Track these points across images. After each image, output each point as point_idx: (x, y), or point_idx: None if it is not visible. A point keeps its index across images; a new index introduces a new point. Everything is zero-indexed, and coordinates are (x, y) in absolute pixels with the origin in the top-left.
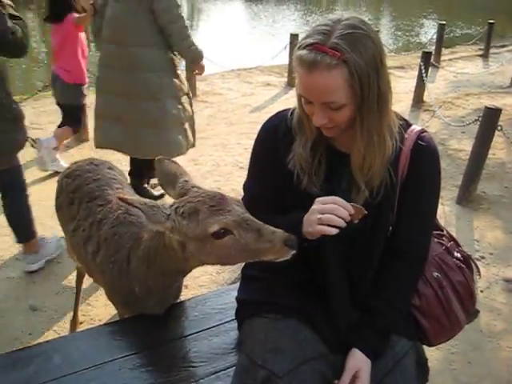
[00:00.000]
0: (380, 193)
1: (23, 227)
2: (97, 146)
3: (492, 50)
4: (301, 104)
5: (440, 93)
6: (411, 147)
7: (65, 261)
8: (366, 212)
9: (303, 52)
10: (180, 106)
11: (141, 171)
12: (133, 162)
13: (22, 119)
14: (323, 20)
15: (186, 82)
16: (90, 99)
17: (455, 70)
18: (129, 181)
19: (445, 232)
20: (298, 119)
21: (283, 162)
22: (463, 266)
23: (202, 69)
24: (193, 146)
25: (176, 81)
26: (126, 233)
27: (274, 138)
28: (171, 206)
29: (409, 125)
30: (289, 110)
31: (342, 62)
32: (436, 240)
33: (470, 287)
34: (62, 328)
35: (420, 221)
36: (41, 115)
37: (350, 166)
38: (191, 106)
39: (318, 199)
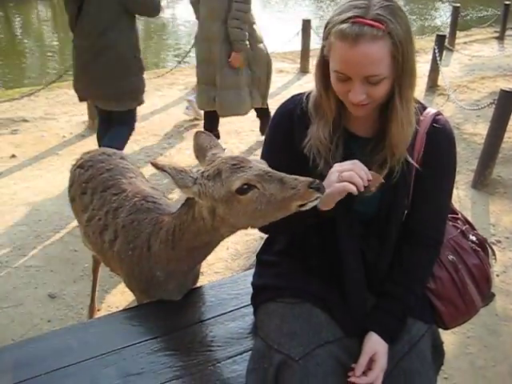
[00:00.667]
0: (397, 175)
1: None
2: (200, 108)
3: (508, 33)
4: (321, 85)
5: (455, 76)
6: (427, 130)
7: (81, 249)
8: (384, 181)
9: (344, 26)
10: (250, 72)
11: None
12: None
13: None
14: None
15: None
16: None
17: (470, 53)
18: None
19: (459, 215)
20: (314, 102)
21: (298, 147)
22: (478, 249)
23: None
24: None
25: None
26: (145, 219)
27: (289, 122)
28: (198, 170)
29: (424, 107)
30: (303, 93)
31: (387, 33)
32: (451, 223)
33: (485, 270)
34: (80, 315)
35: (435, 204)
36: (55, 106)
37: (365, 149)
38: (269, 72)
39: (336, 164)
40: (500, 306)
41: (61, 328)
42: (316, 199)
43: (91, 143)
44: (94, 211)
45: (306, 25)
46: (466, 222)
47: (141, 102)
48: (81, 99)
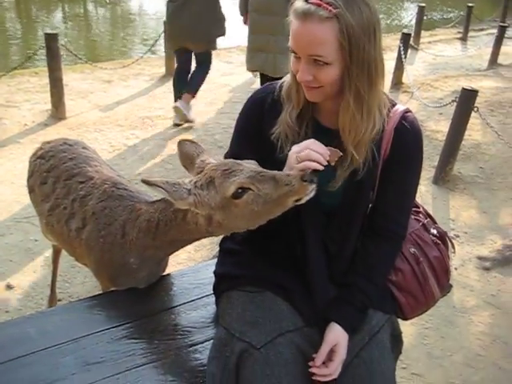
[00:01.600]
0: (363, 170)
1: (195, 84)
2: (248, 69)
3: (470, 34)
4: (292, 72)
5: (419, 75)
6: (395, 126)
7: (42, 239)
8: (342, 154)
9: (299, 4)
10: None
11: None
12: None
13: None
14: None
15: None
16: (67, 78)
17: (434, 52)
18: None
19: (421, 209)
20: (287, 88)
21: (266, 134)
22: (439, 242)
23: None
24: None
25: None
26: (118, 206)
27: (260, 110)
28: (190, 181)
29: (393, 104)
30: (277, 83)
31: (335, 16)
32: (413, 217)
33: (445, 263)
34: (40, 305)
35: (400, 199)
36: (17, 93)
37: (333, 141)
38: None
39: (293, 146)
40: (457, 298)
41: (19, 317)
42: (311, 191)
43: (54, 132)
44: (58, 200)
45: None
46: (428, 215)
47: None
48: (175, 47)
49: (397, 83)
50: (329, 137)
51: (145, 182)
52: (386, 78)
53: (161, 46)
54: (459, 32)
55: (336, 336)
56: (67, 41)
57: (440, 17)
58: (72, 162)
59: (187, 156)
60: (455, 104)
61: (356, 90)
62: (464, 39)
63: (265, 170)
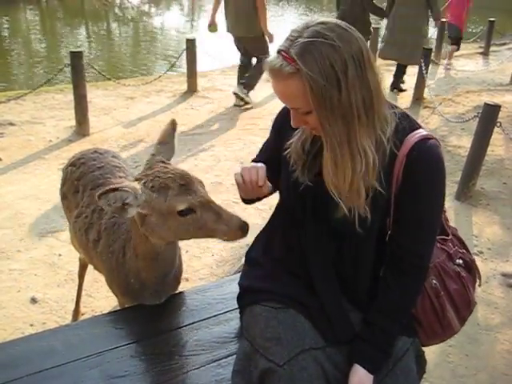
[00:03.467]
0: (368, 196)
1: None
2: (380, 57)
3: (492, 48)
4: None
5: (440, 90)
6: (407, 151)
7: (66, 253)
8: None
9: (271, 59)
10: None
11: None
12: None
13: None
14: (301, 23)
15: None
16: (91, 95)
17: (456, 67)
18: None
19: (450, 237)
20: None
21: (283, 146)
22: (463, 273)
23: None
24: None
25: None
26: (124, 223)
27: (286, 117)
28: (139, 181)
29: (413, 128)
30: None
31: (296, 72)
32: (439, 245)
33: (467, 295)
34: (63, 319)
35: (416, 230)
36: (42, 110)
37: None
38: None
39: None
40: (481, 316)
41: (45, 330)
42: (239, 238)
43: (78, 148)
44: (83, 208)
45: None
46: (457, 239)
47: None
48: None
49: (418, 98)
50: None
51: (98, 196)
52: (406, 94)
53: (183, 63)
54: (481, 47)
55: (360, 379)
56: (91, 58)
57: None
58: (99, 171)
59: (160, 133)
60: (477, 119)
61: (330, 135)
62: (486, 54)
63: (214, 202)
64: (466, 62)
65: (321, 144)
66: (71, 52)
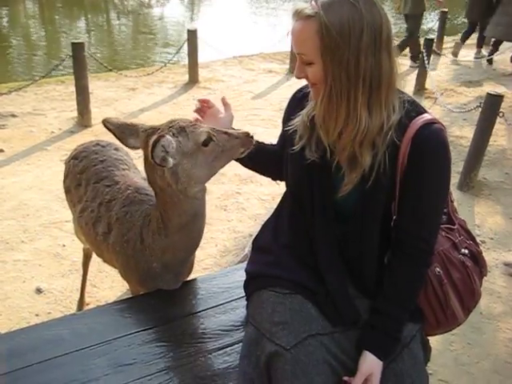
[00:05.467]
0: (370, 179)
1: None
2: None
3: (457, 41)
4: None
5: (442, 80)
6: (412, 135)
7: (70, 244)
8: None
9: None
10: None
11: None
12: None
13: None
14: None
15: None
16: (92, 86)
17: (457, 57)
18: None
19: (456, 226)
20: None
21: (288, 125)
22: (468, 263)
23: None
24: None
25: None
26: (137, 211)
27: (293, 100)
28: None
29: (419, 112)
30: None
31: (315, 16)
32: (444, 234)
33: (471, 285)
34: (69, 309)
35: (421, 213)
36: (43, 101)
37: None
38: None
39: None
40: (484, 305)
41: (52, 319)
42: (251, 144)
43: (80, 139)
44: (87, 202)
45: None
46: (464, 231)
47: None
48: None
49: (420, 89)
50: None
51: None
52: (409, 84)
53: (184, 53)
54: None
55: (370, 366)
56: (92, 49)
57: (462, 21)
58: (102, 164)
59: (120, 127)
60: (480, 109)
61: (329, 89)
62: (487, 44)
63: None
64: (468, 52)
65: None
66: (73, 43)
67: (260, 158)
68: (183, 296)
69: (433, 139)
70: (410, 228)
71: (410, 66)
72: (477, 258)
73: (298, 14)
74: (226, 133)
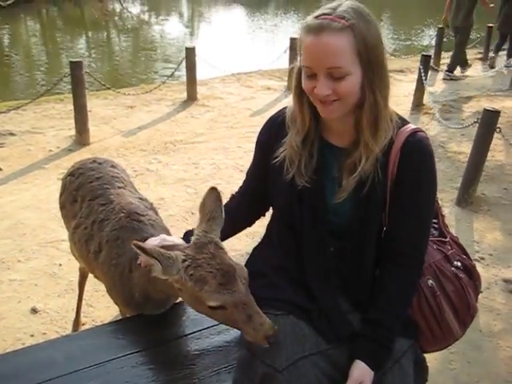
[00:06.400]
0: (365, 187)
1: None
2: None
3: (491, 54)
4: (296, 95)
5: (439, 96)
6: (401, 144)
7: (66, 263)
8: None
9: (310, 20)
10: None
11: None
12: None
13: None
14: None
15: None
16: (91, 104)
17: (455, 73)
18: None
19: (448, 239)
20: (291, 114)
21: (273, 156)
22: (462, 275)
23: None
24: None
25: None
26: (129, 238)
27: (268, 134)
28: (183, 261)
29: (404, 123)
30: (288, 107)
31: (349, 27)
32: (435, 247)
33: (466, 298)
34: (64, 329)
35: (412, 222)
36: (42, 120)
37: (340, 158)
38: None
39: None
40: (483, 322)
41: (44, 341)
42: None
43: (78, 157)
44: (82, 219)
45: (294, 43)
46: (457, 245)
47: None
48: None
49: (418, 105)
50: (337, 155)
51: (139, 248)
52: (406, 100)
53: (182, 72)
54: (479, 52)
55: (361, 374)
56: (91, 67)
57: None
58: (98, 181)
59: (206, 206)
60: (477, 125)
61: (374, 99)
62: (485, 59)
63: (251, 301)
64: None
65: (313, 144)
66: (71, 62)
67: (240, 222)
68: (177, 317)
69: (420, 147)
70: (401, 235)
71: (444, 78)
72: (471, 272)
73: (325, 29)
74: (249, 316)
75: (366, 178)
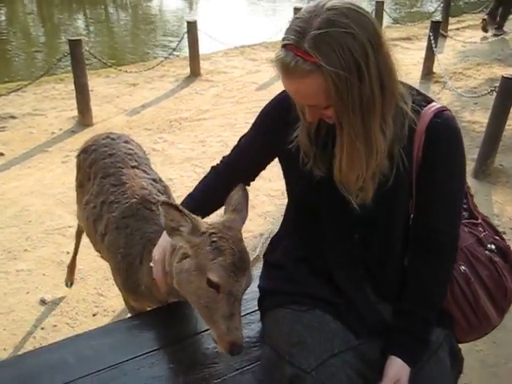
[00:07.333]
0: (391, 177)
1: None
2: None
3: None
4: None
5: (449, 63)
6: (426, 125)
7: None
8: None
9: (280, 53)
10: None
11: None
12: None
13: None
14: (304, 9)
15: None
16: (92, 83)
17: (463, 39)
18: None
19: (480, 220)
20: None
21: (284, 140)
22: (496, 258)
23: None
24: None
25: None
26: (139, 229)
27: (277, 114)
28: (209, 229)
29: (428, 101)
30: None
31: (317, 67)
32: (467, 229)
33: (502, 283)
34: (75, 320)
35: (442, 206)
36: (43, 101)
37: None
38: None
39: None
40: None
41: (55, 342)
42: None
43: (82, 139)
44: (92, 196)
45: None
46: (489, 226)
47: None
48: None
49: (428, 73)
50: None
51: (168, 204)
52: (416, 68)
53: (184, 46)
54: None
55: (398, 371)
56: (90, 45)
57: (466, 1)
58: (110, 158)
59: (233, 199)
60: (494, 93)
61: (348, 130)
62: (491, 24)
63: (240, 303)
64: (473, 34)
65: (328, 134)
66: (70, 40)
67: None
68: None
69: (447, 128)
70: (432, 223)
71: (495, 34)
72: (506, 254)
73: (292, 73)
74: (231, 314)
75: (390, 169)
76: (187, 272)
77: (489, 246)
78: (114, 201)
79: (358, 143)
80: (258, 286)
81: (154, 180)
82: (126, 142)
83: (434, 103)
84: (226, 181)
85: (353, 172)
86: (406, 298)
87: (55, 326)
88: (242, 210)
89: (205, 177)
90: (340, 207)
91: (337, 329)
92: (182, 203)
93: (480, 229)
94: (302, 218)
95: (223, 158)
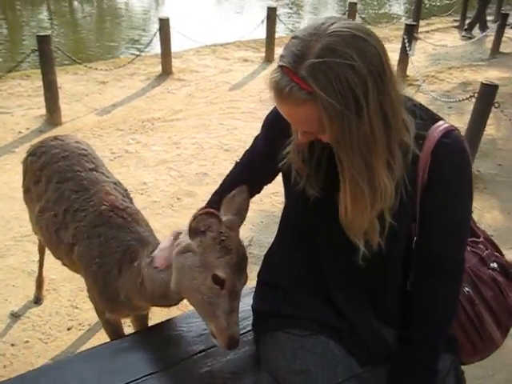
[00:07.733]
0: (395, 200)
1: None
2: None
3: (467, 21)
4: None
5: (421, 66)
6: (432, 148)
7: (45, 258)
8: None
9: (275, 75)
10: None
11: None
12: None
13: None
14: (306, 28)
15: None
16: (60, 80)
17: (433, 42)
18: None
19: (481, 238)
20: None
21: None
22: (499, 278)
23: None
24: None
25: None
26: (115, 238)
27: (277, 121)
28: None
29: (435, 119)
30: None
31: (312, 97)
32: (469, 248)
33: (506, 302)
34: (48, 336)
35: (447, 231)
36: (8, 98)
37: None
38: None
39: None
40: None
41: (30, 371)
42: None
43: None
44: (49, 204)
45: (272, 13)
46: (490, 243)
47: None
48: None
49: (402, 76)
50: None
51: (211, 214)
52: None
53: (154, 43)
54: (455, 20)
55: None
56: (56, 41)
57: (436, 5)
58: (65, 161)
59: (235, 202)
60: (471, 99)
61: (350, 171)
62: (461, 27)
63: (238, 301)
64: (443, 36)
65: (323, 153)
66: (38, 36)
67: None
68: (183, 333)
69: (455, 151)
70: (437, 248)
71: (463, 36)
72: (507, 272)
73: (285, 99)
74: (232, 310)
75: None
76: (190, 268)
77: (491, 264)
78: (79, 209)
79: (362, 182)
80: (252, 307)
81: (115, 184)
82: (77, 142)
83: (440, 122)
84: (250, 176)
85: (357, 215)
86: (412, 325)
87: (27, 341)
88: (242, 213)
89: (230, 172)
90: (337, 230)
91: (340, 355)
92: (209, 202)
93: (481, 246)
94: (297, 234)
95: (245, 151)
